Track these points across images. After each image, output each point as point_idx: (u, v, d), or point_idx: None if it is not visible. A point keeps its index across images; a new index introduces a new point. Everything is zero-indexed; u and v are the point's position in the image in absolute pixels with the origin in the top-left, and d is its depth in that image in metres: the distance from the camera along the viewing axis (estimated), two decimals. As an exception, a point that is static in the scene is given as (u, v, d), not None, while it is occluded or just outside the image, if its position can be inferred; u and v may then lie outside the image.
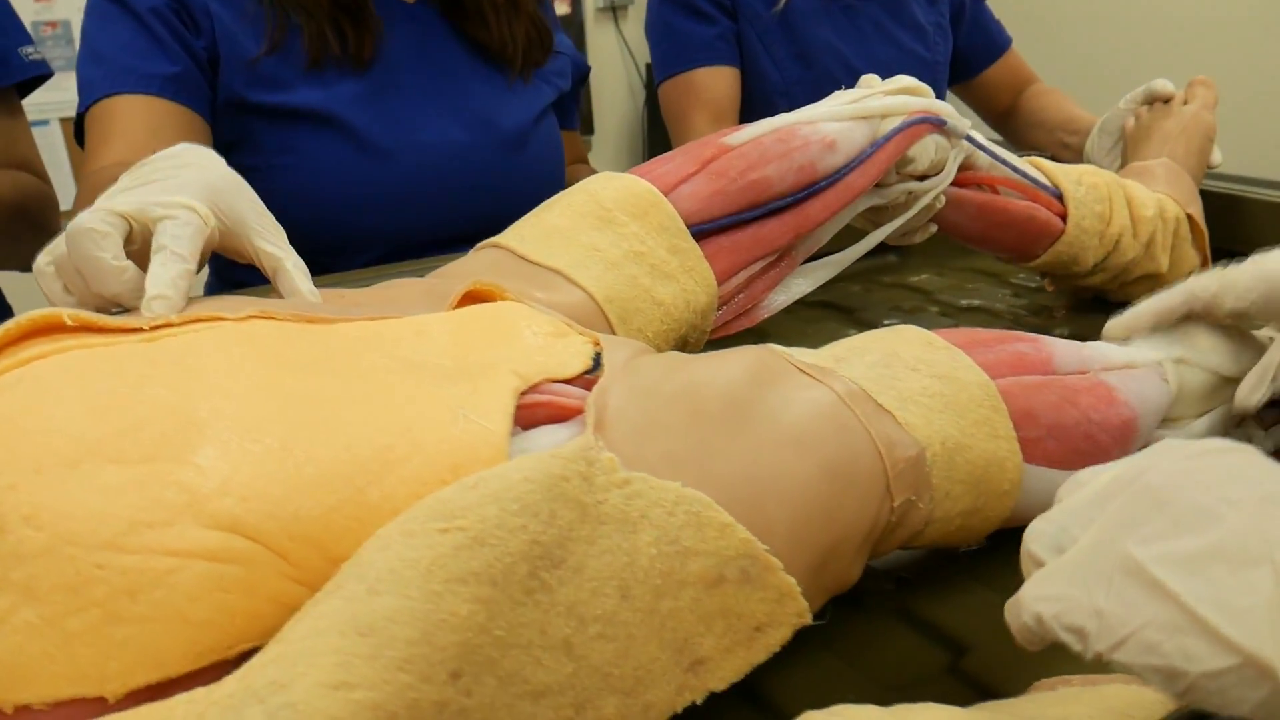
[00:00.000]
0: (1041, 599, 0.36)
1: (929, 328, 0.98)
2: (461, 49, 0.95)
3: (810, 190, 0.74)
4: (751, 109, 1.21)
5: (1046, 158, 1.22)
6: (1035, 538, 0.38)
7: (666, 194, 0.69)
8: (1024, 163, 0.92)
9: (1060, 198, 0.91)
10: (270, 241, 0.56)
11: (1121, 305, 0.96)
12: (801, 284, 0.78)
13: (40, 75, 0.99)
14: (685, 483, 0.44)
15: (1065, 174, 0.92)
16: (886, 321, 1.01)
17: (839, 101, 0.80)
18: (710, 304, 0.69)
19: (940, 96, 1.30)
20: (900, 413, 0.51)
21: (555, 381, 0.50)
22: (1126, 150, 1.10)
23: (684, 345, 0.69)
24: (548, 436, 0.46)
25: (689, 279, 0.67)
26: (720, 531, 0.44)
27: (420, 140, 0.91)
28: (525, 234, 0.68)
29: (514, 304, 0.57)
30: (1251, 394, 0.64)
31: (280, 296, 0.56)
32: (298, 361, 0.46)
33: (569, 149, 1.15)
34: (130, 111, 0.82)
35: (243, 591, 0.38)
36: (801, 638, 0.54)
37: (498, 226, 0.97)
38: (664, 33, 1.20)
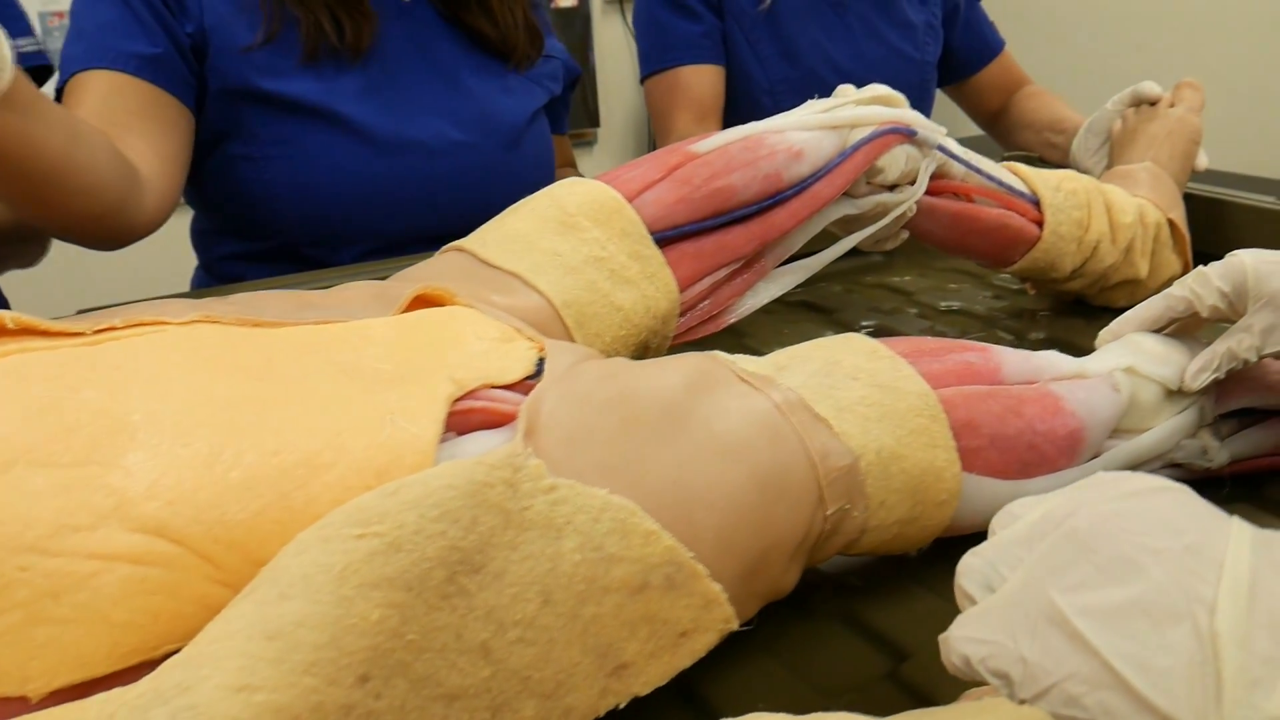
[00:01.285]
0: (969, 640, 0.37)
1: (907, 330, 0.99)
2: (458, 45, 0.96)
3: (776, 199, 0.74)
4: (736, 108, 1.21)
5: (1033, 159, 1.23)
6: (966, 573, 0.39)
7: (630, 200, 0.70)
8: (1001, 169, 0.92)
9: (1037, 204, 0.91)
10: None
11: (1102, 310, 0.97)
12: (769, 289, 0.79)
13: (40, 67, 0.99)
14: (614, 490, 0.45)
15: (1043, 180, 0.92)
16: (864, 323, 1.02)
17: (810, 110, 0.80)
18: (672, 310, 0.69)
19: (929, 97, 1.31)
20: (836, 422, 0.52)
21: (495, 387, 0.51)
22: (1112, 153, 1.10)
23: (645, 350, 0.69)
24: (479, 442, 0.47)
25: (650, 285, 0.68)
26: (645, 539, 0.44)
27: (415, 137, 0.91)
28: (487, 238, 0.69)
29: (462, 309, 0.58)
30: (1196, 376, 0.64)
31: None
32: (236, 366, 0.46)
33: (561, 152, 1.16)
34: (101, 86, 0.82)
35: (166, 594, 0.39)
36: (742, 640, 0.55)
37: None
38: (650, 28, 1.20)
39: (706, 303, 0.74)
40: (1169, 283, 0.96)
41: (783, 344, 0.96)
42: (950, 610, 0.59)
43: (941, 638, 0.38)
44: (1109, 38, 2.46)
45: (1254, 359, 0.64)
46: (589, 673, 0.43)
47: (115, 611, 0.38)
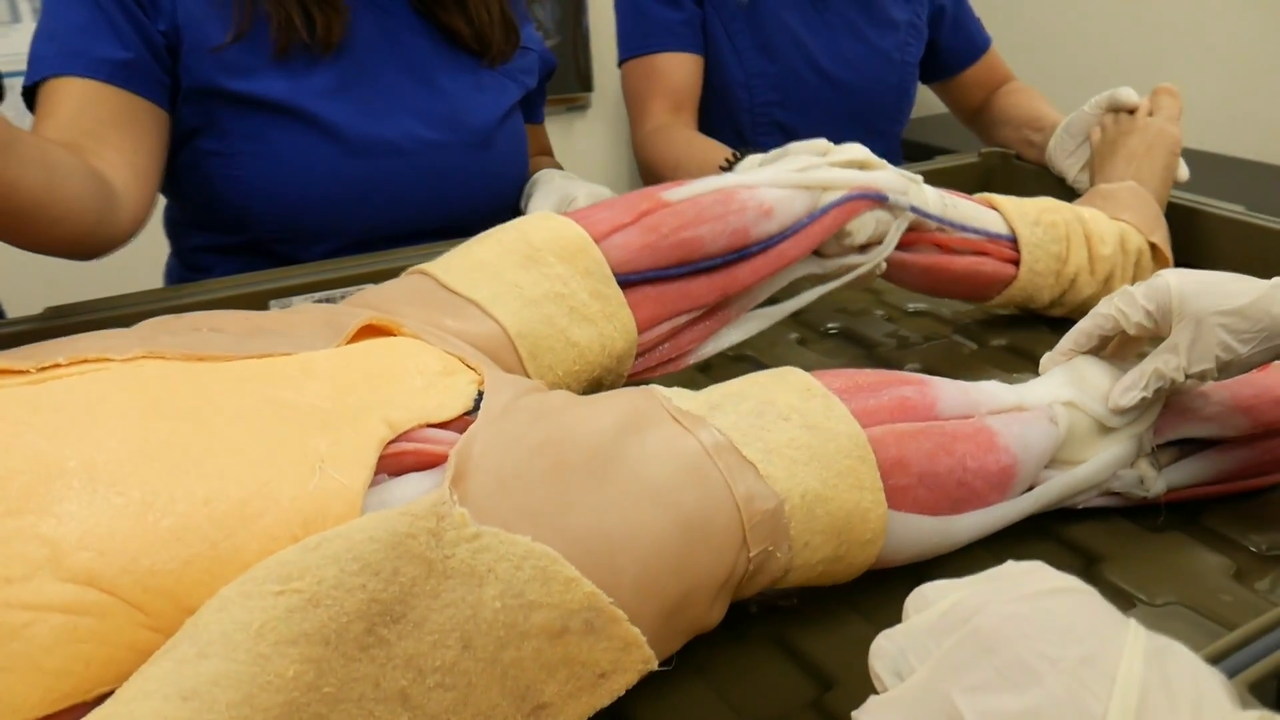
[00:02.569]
0: None
1: (872, 332, 1.00)
2: (431, 41, 0.96)
3: (741, 254, 0.76)
4: (711, 99, 1.21)
5: (1012, 155, 1.23)
6: (878, 655, 0.40)
7: (598, 241, 0.71)
8: (977, 208, 0.92)
9: (1014, 242, 0.92)
10: None
11: (1065, 320, 0.98)
12: (732, 334, 0.80)
13: None
14: (537, 536, 0.47)
15: (1022, 215, 0.93)
16: (830, 325, 1.03)
17: (785, 168, 0.81)
18: (628, 350, 0.71)
19: (908, 98, 1.31)
20: (763, 465, 0.53)
21: (431, 426, 0.52)
22: (1093, 165, 1.11)
23: (598, 386, 0.71)
24: (410, 486, 0.48)
25: (608, 324, 0.69)
26: (565, 585, 0.46)
27: (385, 137, 0.92)
28: (451, 264, 0.70)
29: (407, 340, 0.59)
30: (1124, 394, 0.66)
31: None
32: (175, 408, 0.48)
33: (533, 141, 1.16)
34: (74, 94, 0.82)
35: (98, 641, 0.41)
36: (678, 665, 0.57)
37: (459, 223, 0.99)
38: (631, 12, 1.19)
39: (666, 345, 0.75)
40: None
41: (748, 346, 0.97)
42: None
43: (854, 715, 0.40)
44: (1094, 29, 2.43)
45: (1181, 378, 0.66)
46: (507, 713, 0.45)
47: (48, 659, 0.40)
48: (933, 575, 0.65)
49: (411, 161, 0.93)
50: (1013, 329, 1.00)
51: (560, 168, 1.18)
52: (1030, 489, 0.66)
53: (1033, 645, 0.36)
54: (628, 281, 0.71)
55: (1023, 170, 1.22)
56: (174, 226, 1.01)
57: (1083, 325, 0.71)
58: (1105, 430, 0.67)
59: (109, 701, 0.38)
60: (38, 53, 0.84)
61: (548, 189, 1.00)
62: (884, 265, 0.85)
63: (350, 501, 0.45)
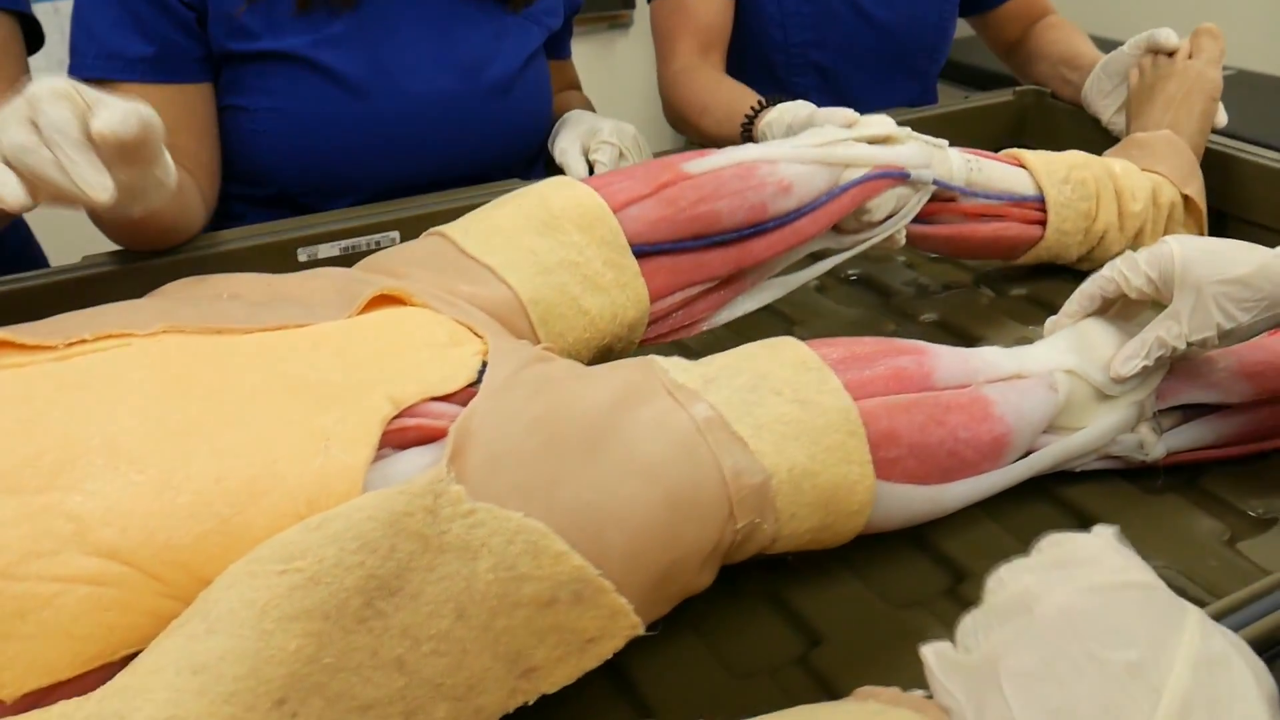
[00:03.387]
0: (942, 691, 0.41)
1: (890, 279, 1.01)
2: None
3: (758, 229, 0.76)
4: (745, 38, 1.18)
5: (1047, 94, 1.20)
6: (961, 629, 0.42)
7: (616, 211, 0.72)
8: (1004, 168, 0.91)
9: (1042, 201, 0.92)
10: None
11: (1087, 271, 0.98)
12: (746, 303, 0.81)
13: (18, 14, 0.96)
14: (529, 512, 0.49)
15: (1050, 174, 0.92)
16: (851, 271, 1.03)
17: (808, 141, 0.81)
18: (640, 319, 0.72)
19: (947, 36, 1.27)
20: (753, 440, 0.55)
21: (435, 399, 0.55)
22: (1129, 108, 1.08)
23: (608, 353, 0.73)
24: (411, 461, 0.51)
25: (621, 294, 0.71)
26: (555, 559, 0.49)
27: (405, 87, 0.92)
28: (470, 227, 0.72)
29: (416, 310, 0.61)
30: (1126, 362, 0.67)
31: None
32: (192, 385, 0.51)
33: (560, 76, 1.16)
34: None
35: (121, 610, 0.44)
36: (671, 615, 0.60)
37: (482, 170, 1.00)
38: None
39: (680, 313, 0.77)
40: None
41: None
42: (869, 594, 0.64)
43: (926, 664, 0.42)
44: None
45: (1183, 346, 0.66)
46: (499, 676, 0.49)
47: (76, 626, 0.43)
48: (928, 535, 0.67)
49: (430, 112, 0.93)
50: (1034, 278, 0.99)
51: (588, 101, 1.17)
52: (1028, 454, 0.67)
53: (1084, 643, 0.37)
54: (643, 252, 0.72)
55: (1058, 109, 1.20)
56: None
57: (1086, 288, 0.71)
58: (1106, 396, 0.68)
59: (126, 672, 0.42)
60: (77, 45, 0.86)
61: (575, 129, 1.01)
62: (903, 238, 0.85)
63: (352, 480, 0.48)
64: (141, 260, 0.85)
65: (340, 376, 0.54)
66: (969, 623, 0.42)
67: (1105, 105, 1.12)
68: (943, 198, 0.87)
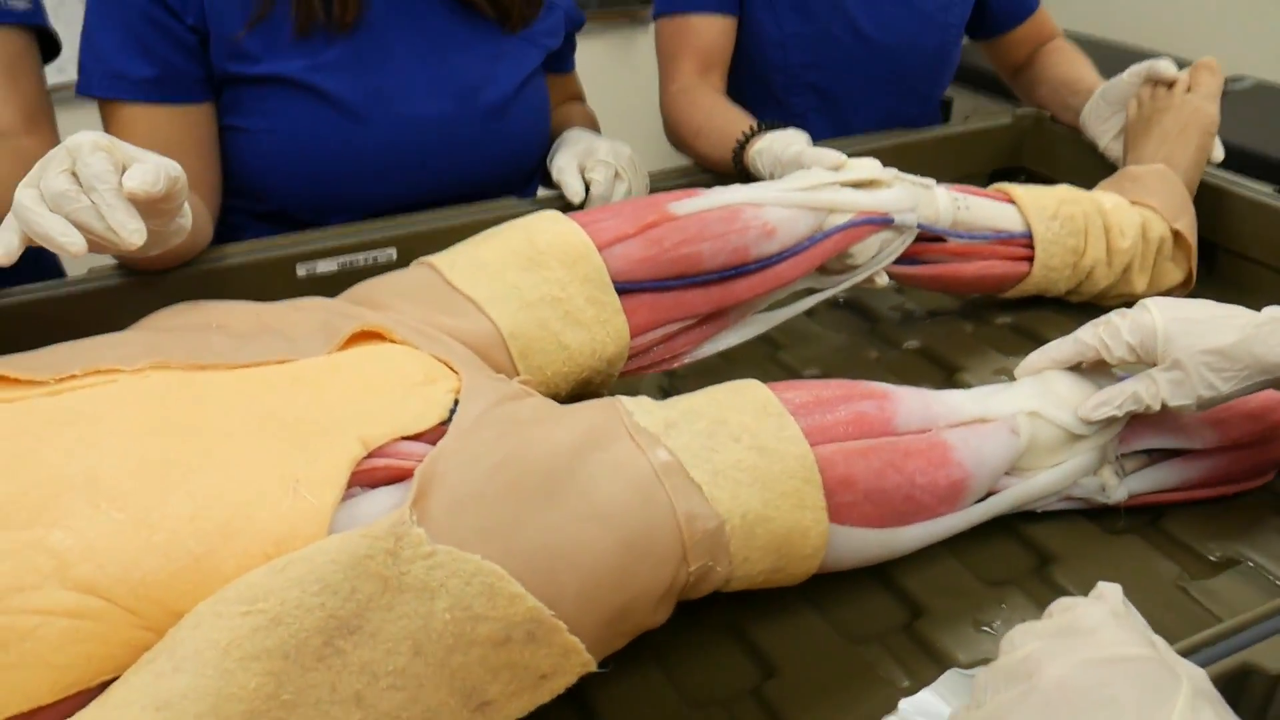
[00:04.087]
0: None
1: (878, 305, 1.02)
2: (450, 13, 0.97)
3: (739, 270, 0.78)
4: (745, 59, 1.19)
5: (1046, 117, 1.21)
6: (976, 685, 0.45)
7: (601, 249, 0.74)
8: (992, 205, 0.93)
9: (1030, 237, 0.93)
10: None
11: (1069, 305, 0.99)
12: (728, 337, 0.84)
13: (37, 28, 0.95)
14: (488, 554, 0.52)
15: (1039, 210, 0.93)
16: (840, 299, 1.04)
17: (794, 184, 0.83)
18: (619, 354, 0.75)
19: (950, 61, 1.28)
20: (709, 486, 0.57)
21: (407, 438, 0.57)
22: (1127, 139, 1.09)
23: (587, 386, 0.75)
24: (379, 501, 0.54)
25: (601, 330, 0.73)
26: (510, 600, 0.51)
27: (400, 111, 0.94)
28: (457, 260, 0.74)
29: (393, 348, 0.64)
30: (1096, 409, 0.69)
31: None
32: (173, 423, 0.54)
33: (564, 90, 1.17)
34: (136, 122, 0.89)
35: (98, 641, 0.47)
36: (634, 649, 0.63)
37: (478, 190, 1.02)
38: None
39: (660, 347, 0.79)
40: (1166, 294, 0.98)
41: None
42: (827, 627, 0.66)
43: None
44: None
45: (1156, 407, 0.68)
46: (455, 710, 0.51)
47: (56, 656, 0.46)
48: (889, 569, 0.69)
49: (426, 135, 0.95)
50: (1019, 307, 1.00)
51: (591, 114, 1.19)
52: (990, 495, 0.69)
53: (1076, 716, 0.40)
54: (626, 289, 0.74)
55: (1057, 134, 1.20)
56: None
57: (1065, 348, 0.72)
58: (1069, 439, 0.69)
59: (96, 703, 0.45)
60: (85, 64, 0.89)
61: (572, 148, 1.02)
62: (884, 280, 0.88)
63: (319, 522, 0.51)
64: (148, 274, 0.88)
65: (316, 414, 0.57)
66: (981, 678, 0.45)
67: (1103, 131, 1.12)
68: (928, 237, 0.89)
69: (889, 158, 1.14)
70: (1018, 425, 0.69)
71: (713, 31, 1.15)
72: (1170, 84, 1.05)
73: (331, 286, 0.92)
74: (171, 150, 0.90)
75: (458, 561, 0.51)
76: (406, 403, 0.59)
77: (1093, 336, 0.70)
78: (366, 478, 0.55)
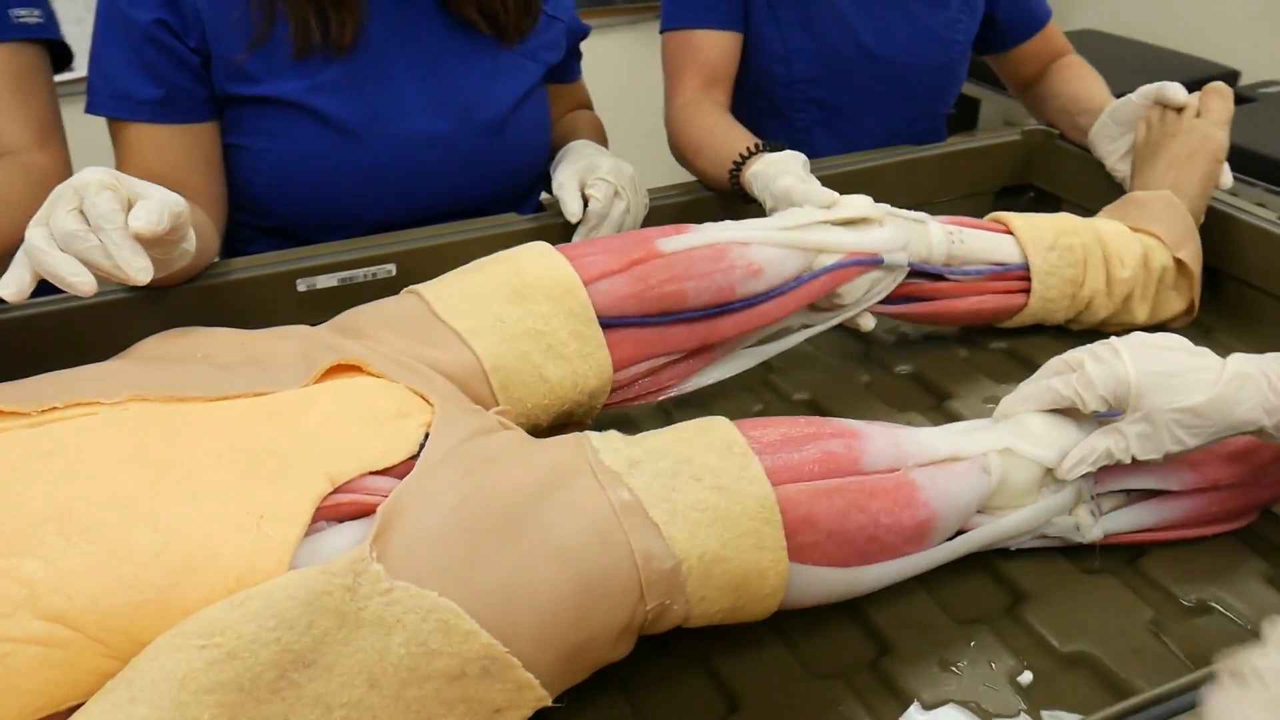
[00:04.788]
0: None
1: (876, 324, 1.02)
2: (448, 31, 0.98)
3: (723, 309, 0.79)
4: (749, 73, 1.19)
5: (1055, 135, 1.20)
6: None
7: (587, 284, 0.76)
8: (988, 237, 0.93)
9: (1027, 268, 0.93)
10: None
11: (1067, 332, 0.98)
12: (717, 371, 0.84)
13: (52, 42, 0.98)
14: (445, 591, 0.53)
15: (1036, 241, 0.93)
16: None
17: (783, 223, 0.83)
18: (602, 387, 0.76)
19: (956, 78, 1.27)
20: (666, 526, 0.58)
21: (374, 473, 0.59)
22: (1135, 162, 1.08)
23: (569, 417, 0.77)
24: (343, 536, 0.56)
25: (584, 363, 0.74)
26: (465, 637, 0.53)
27: (396, 130, 0.96)
28: (444, 291, 0.76)
29: (369, 381, 0.65)
30: (1073, 469, 0.69)
31: None
32: (150, 455, 0.56)
33: (570, 98, 1.18)
34: (143, 141, 0.92)
35: (67, 668, 0.49)
36: (600, 678, 0.64)
37: (477, 205, 1.04)
38: None
39: (647, 379, 0.80)
40: (1168, 322, 0.99)
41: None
42: (794, 661, 0.67)
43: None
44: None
45: (1128, 460, 0.68)
46: (410, 741, 0.53)
47: (25, 683, 0.49)
48: (860, 604, 0.70)
49: (423, 154, 0.97)
50: (1015, 333, 1.00)
51: (598, 122, 1.19)
52: (961, 532, 0.70)
53: None
54: (610, 323, 0.75)
55: (1065, 152, 1.19)
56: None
57: (1041, 396, 0.71)
58: (1042, 478, 0.70)
59: (60, 731, 0.47)
60: (93, 84, 0.92)
61: (574, 164, 1.03)
62: (870, 323, 0.88)
63: (280, 558, 0.52)
64: (153, 289, 0.90)
65: (286, 448, 0.59)
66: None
67: (1110, 151, 1.11)
68: (921, 273, 0.89)
69: (897, 173, 1.15)
70: (989, 464, 0.69)
71: (718, 47, 1.15)
72: (1180, 109, 1.04)
73: (331, 301, 0.95)
74: (177, 167, 0.93)
75: (415, 598, 0.53)
76: (376, 438, 0.61)
77: (1066, 387, 0.70)
78: (332, 512, 0.57)
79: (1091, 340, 0.92)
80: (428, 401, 0.65)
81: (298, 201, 0.96)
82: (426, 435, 0.62)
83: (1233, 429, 0.65)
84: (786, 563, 0.61)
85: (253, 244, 1.02)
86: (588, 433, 0.64)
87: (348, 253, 0.95)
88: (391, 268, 0.97)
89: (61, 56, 1.03)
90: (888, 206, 0.86)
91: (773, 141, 1.00)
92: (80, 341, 0.85)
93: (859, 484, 0.64)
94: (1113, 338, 0.71)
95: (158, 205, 0.65)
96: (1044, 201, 1.24)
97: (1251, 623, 0.69)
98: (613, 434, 0.64)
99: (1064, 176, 1.20)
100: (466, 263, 0.81)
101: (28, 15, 0.95)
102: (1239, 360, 0.66)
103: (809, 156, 0.98)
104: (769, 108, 1.23)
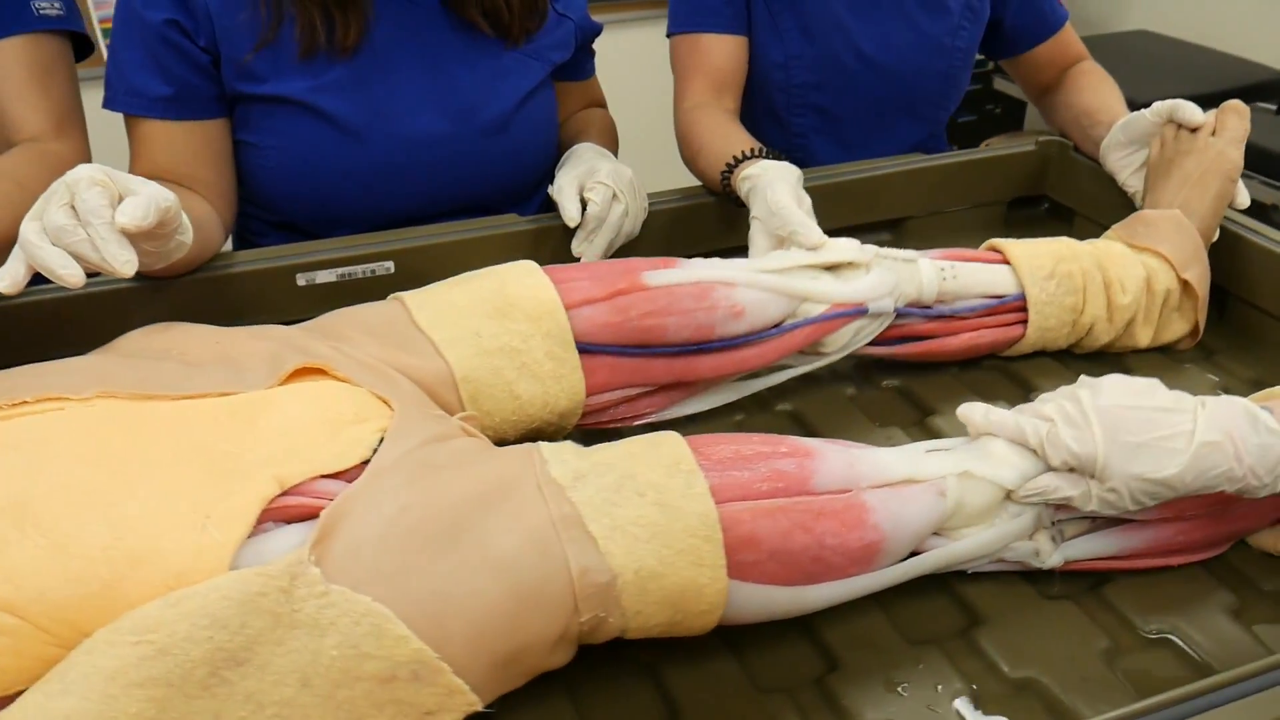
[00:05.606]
0: None
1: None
2: (453, 32, 1.00)
3: (701, 348, 0.80)
4: (748, 79, 1.19)
5: (1070, 146, 1.18)
6: None
7: (569, 308, 0.77)
8: (982, 270, 0.92)
9: (1023, 298, 0.92)
10: None
11: (1069, 355, 0.97)
12: (696, 404, 0.85)
13: (73, 34, 1.01)
14: (380, 596, 0.55)
15: (1033, 271, 0.92)
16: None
17: (770, 265, 0.83)
18: (572, 409, 0.78)
19: (958, 86, 1.25)
20: (604, 540, 0.59)
21: (325, 476, 0.61)
22: (1147, 179, 1.06)
23: (538, 434, 0.78)
24: (287, 538, 0.57)
25: (556, 385, 0.76)
26: (396, 641, 0.55)
27: (398, 130, 0.98)
28: (427, 301, 0.78)
29: (331, 385, 0.67)
30: (1029, 495, 0.69)
31: None
32: (110, 451, 0.58)
33: (582, 95, 1.19)
34: (155, 136, 0.96)
35: (13, 655, 0.52)
36: (549, 678, 0.66)
37: (481, 204, 1.05)
38: None
39: (623, 406, 0.81)
40: (1172, 345, 0.98)
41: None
42: (740, 674, 0.68)
43: None
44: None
45: (1086, 510, 0.68)
46: (340, 739, 0.55)
47: (-28, 667, 0.51)
48: (814, 619, 0.71)
49: (425, 154, 0.99)
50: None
51: (609, 120, 1.20)
52: (916, 554, 0.70)
53: None
54: (588, 349, 0.77)
55: (1080, 165, 1.17)
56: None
57: (1006, 426, 0.71)
58: (1000, 501, 0.69)
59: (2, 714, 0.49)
60: (110, 80, 0.95)
61: (575, 168, 1.04)
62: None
63: (220, 558, 0.54)
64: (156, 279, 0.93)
65: (241, 449, 0.61)
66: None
67: (1122, 165, 1.09)
68: (913, 313, 0.89)
69: (908, 182, 1.14)
70: (946, 488, 0.69)
71: (724, 51, 1.15)
72: (1195, 128, 1.01)
73: (331, 296, 0.97)
74: (188, 162, 0.96)
75: (349, 602, 0.55)
76: (331, 441, 0.63)
77: (1035, 436, 0.69)
78: (280, 514, 0.59)
79: (1093, 362, 0.91)
80: (390, 406, 0.67)
81: (302, 198, 0.99)
82: (382, 440, 0.64)
83: (1199, 494, 0.65)
84: (725, 580, 0.62)
85: (264, 237, 1.05)
86: (540, 444, 0.65)
87: (347, 249, 0.98)
88: (390, 265, 0.99)
89: (83, 47, 1.07)
90: (875, 248, 0.86)
91: (768, 149, 1.00)
92: (85, 327, 0.89)
93: (806, 504, 0.65)
94: (1082, 393, 0.69)
95: (144, 201, 0.67)
96: (1057, 214, 1.23)
97: (1208, 655, 0.68)
98: (565, 445, 0.66)
99: (1078, 189, 1.18)
100: (464, 262, 0.83)
101: (49, 7, 0.99)
102: (1209, 422, 0.65)
103: (806, 163, 0.98)
104: (767, 113, 1.23)
